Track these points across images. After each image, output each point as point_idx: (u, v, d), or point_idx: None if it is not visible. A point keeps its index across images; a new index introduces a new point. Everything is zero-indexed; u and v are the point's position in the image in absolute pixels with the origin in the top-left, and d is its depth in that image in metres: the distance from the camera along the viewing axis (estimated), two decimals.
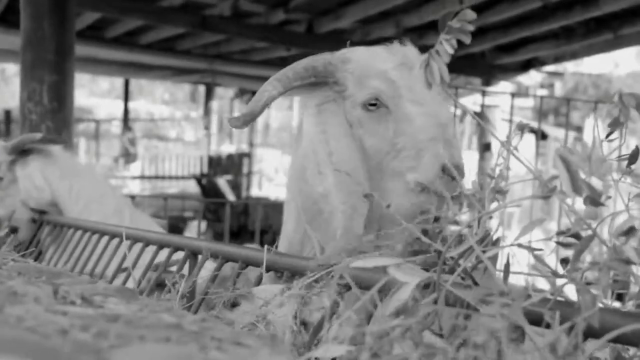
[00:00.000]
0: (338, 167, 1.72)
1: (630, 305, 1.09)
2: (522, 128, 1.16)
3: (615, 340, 0.87)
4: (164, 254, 1.99)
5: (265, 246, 1.60)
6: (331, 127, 1.81)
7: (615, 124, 1.11)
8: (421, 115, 1.75)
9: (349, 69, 1.84)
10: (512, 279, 1.05)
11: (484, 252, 0.98)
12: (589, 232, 0.94)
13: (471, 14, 1.02)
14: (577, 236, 0.96)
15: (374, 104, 1.79)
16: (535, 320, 0.89)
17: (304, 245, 1.90)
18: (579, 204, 0.96)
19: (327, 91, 1.85)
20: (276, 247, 1.64)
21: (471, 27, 1.02)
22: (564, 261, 0.97)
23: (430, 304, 0.95)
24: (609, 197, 0.94)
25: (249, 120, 1.76)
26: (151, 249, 2.05)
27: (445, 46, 1.02)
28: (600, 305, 0.88)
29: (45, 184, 3.23)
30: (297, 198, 1.83)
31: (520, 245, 1.01)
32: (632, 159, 1.17)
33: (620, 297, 1.24)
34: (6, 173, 3.23)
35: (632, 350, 1.08)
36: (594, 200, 0.91)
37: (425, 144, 1.70)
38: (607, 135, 1.17)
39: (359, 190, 1.69)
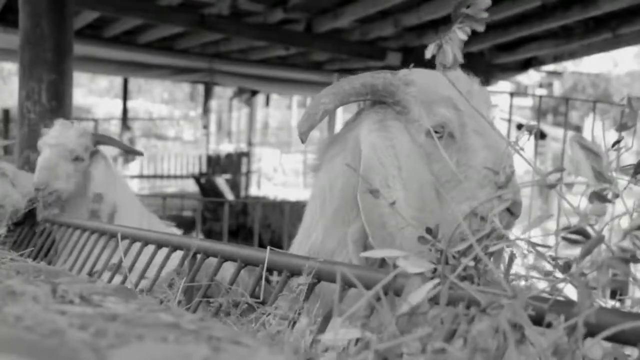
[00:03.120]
0: (408, 182, 1.70)
1: (629, 307, 1.09)
2: (530, 129, 1.16)
3: (614, 339, 0.87)
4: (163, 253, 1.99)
5: (268, 247, 1.60)
6: (399, 142, 1.77)
7: (623, 128, 1.10)
8: (485, 148, 1.75)
9: (412, 92, 1.80)
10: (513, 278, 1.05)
11: (487, 247, 0.99)
12: (594, 227, 0.94)
13: (485, 2, 1.02)
14: (582, 232, 0.96)
15: (438, 131, 1.78)
16: (536, 318, 0.89)
17: (335, 254, 1.85)
18: (581, 202, 0.96)
19: (386, 109, 1.83)
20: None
21: (485, 15, 1.02)
22: (566, 265, 0.97)
23: (435, 289, 0.95)
24: (617, 196, 0.94)
25: (309, 131, 1.77)
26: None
27: (459, 33, 1.02)
28: (600, 304, 0.88)
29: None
30: (361, 209, 1.72)
31: (524, 240, 1.01)
32: (638, 168, 1.16)
33: (619, 297, 1.24)
34: (87, 159, 3.55)
35: (628, 350, 1.08)
36: (601, 196, 0.91)
37: (488, 177, 1.70)
38: (614, 144, 1.16)
39: (429, 206, 1.68)
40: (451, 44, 1.02)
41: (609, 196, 0.92)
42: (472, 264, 1.04)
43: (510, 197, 1.54)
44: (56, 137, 3.43)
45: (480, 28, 1.04)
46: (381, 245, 1.68)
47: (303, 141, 1.79)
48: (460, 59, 1.03)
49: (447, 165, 1.76)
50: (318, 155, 2.01)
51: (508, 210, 1.65)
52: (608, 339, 0.87)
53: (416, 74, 1.84)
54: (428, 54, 1.04)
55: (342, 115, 9.98)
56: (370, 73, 1.84)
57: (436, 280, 0.97)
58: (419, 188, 1.70)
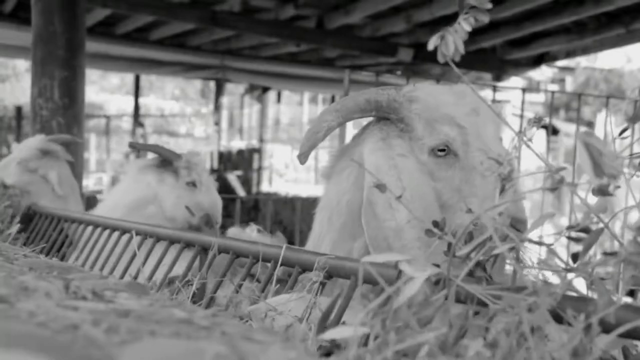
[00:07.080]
0: (412, 202, 1.67)
1: None
2: (537, 121, 1.16)
3: (627, 335, 0.87)
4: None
5: (285, 244, 1.61)
6: (402, 162, 1.77)
7: (634, 120, 1.09)
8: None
9: (415, 110, 1.79)
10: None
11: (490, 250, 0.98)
12: (600, 225, 0.94)
13: None
14: (586, 230, 0.95)
15: (442, 150, 1.77)
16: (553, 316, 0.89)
17: None
18: (589, 198, 0.96)
19: (390, 125, 1.82)
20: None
21: (489, 5, 1.01)
22: (575, 256, 0.97)
23: (440, 299, 0.94)
24: (619, 187, 0.94)
25: (309, 152, 1.78)
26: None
27: (463, 25, 1.01)
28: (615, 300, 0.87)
29: None
30: (366, 232, 1.72)
31: (531, 241, 1.01)
32: None
33: (631, 293, 1.23)
34: None
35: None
36: (603, 190, 0.90)
37: (493, 196, 1.69)
38: (622, 132, 1.15)
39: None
40: (454, 35, 1.02)
41: (611, 190, 0.92)
42: (478, 262, 1.04)
43: (511, 201, 1.51)
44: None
45: (485, 19, 1.04)
46: None
47: (302, 162, 1.79)
48: (462, 50, 1.02)
49: (450, 185, 1.75)
50: (329, 163, 2.02)
51: (512, 226, 1.63)
52: (622, 335, 0.87)
53: (420, 91, 1.82)
54: (430, 46, 1.04)
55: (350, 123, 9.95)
56: (375, 89, 1.83)
57: (432, 269, 0.96)
58: (424, 208, 1.68)
